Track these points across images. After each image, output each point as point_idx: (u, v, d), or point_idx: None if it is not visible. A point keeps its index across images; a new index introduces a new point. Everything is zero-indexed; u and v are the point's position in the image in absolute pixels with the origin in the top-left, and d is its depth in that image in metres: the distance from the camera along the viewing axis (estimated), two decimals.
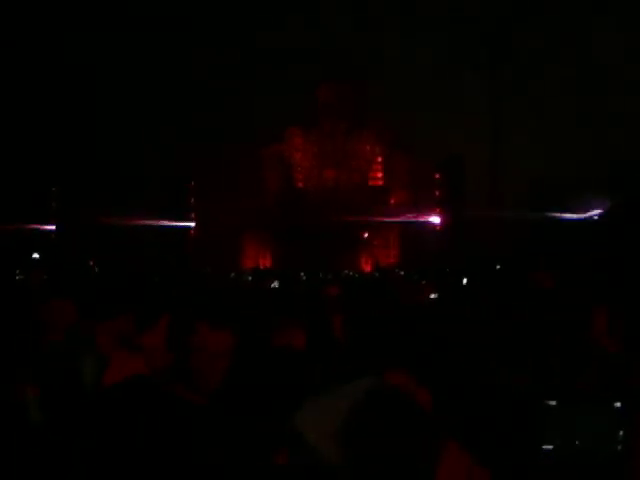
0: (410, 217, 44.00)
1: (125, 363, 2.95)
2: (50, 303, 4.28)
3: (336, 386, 1.60)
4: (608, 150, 40.56)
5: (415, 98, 42.59)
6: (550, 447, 2.38)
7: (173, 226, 42.63)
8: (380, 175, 47.51)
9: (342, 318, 6.10)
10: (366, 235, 44.52)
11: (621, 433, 2.37)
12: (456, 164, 43.97)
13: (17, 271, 13.81)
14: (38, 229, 39.40)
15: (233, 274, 24.91)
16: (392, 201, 46.26)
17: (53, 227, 40.38)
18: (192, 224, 43.74)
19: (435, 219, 43.68)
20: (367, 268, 40.53)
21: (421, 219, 43.96)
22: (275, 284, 12.14)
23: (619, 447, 2.36)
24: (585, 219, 38.62)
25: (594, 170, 39.76)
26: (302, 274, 19.04)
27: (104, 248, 35.35)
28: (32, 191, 39.50)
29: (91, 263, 30.19)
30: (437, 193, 44.24)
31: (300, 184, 47.53)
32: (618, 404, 2.41)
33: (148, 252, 38.42)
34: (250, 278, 20.28)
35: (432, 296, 8.55)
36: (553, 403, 2.43)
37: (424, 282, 11.21)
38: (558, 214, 38.99)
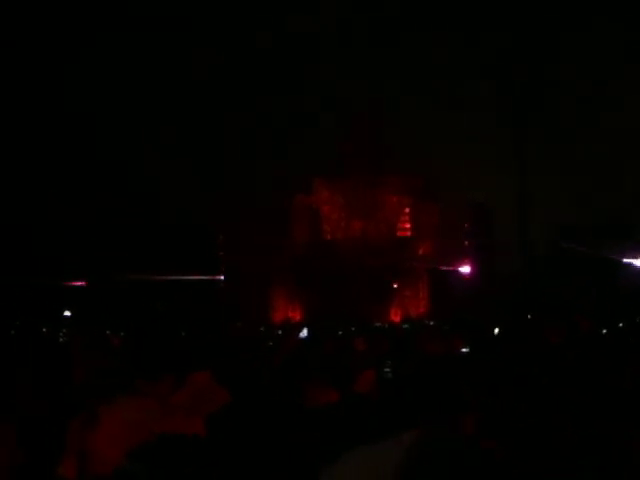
0: (439, 267, 43.85)
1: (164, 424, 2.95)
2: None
3: (373, 441, 1.49)
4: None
5: (442, 147, 42.79)
6: None
7: (202, 280, 42.74)
8: (408, 226, 47.51)
9: (373, 373, 6.04)
10: (395, 286, 44.35)
11: None
12: (484, 213, 43.96)
13: (62, 332, 13.84)
14: (69, 285, 39.63)
15: (263, 328, 24.88)
16: (420, 251, 46.13)
17: (83, 283, 40.58)
18: (221, 277, 43.88)
19: (465, 269, 43.50)
20: (396, 319, 40.32)
21: (450, 269, 43.78)
22: (304, 332, 12.06)
23: None
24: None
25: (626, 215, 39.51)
26: (335, 327, 18.92)
27: (135, 304, 35.53)
28: (60, 247, 39.80)
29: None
30: (466, 243, 44.18)
31: (328, 236, 47.61)
32: None
33: (178, 306, 38.52)
34: (280, 332, 20.21)
35: (463, 350, 8.44)
36: None
37: (455, 334, 11.07)
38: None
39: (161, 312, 33.94)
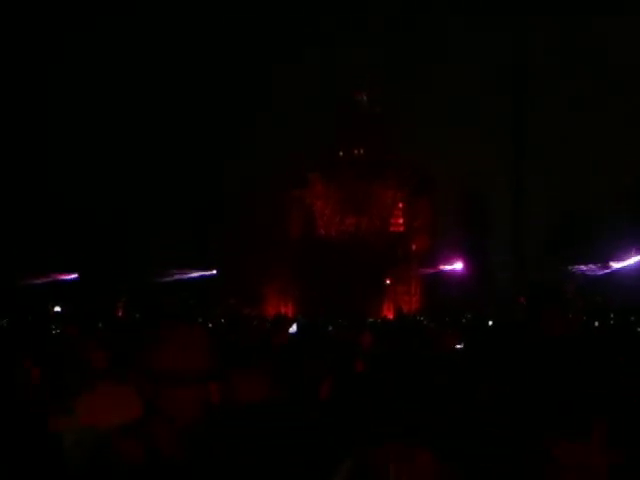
0: (432, 263, 43.80)
1: None
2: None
3: None
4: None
5: (436, 141, 42.69)
6: None
7: (198, 276, 42.65)
8: (401, 221, 47.45)
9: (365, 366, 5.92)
10: (388, 281, 44.30)
11: None
12: (479, 209, 43.89)
13: (53, 326, 13.76)
14: (57, 280, 39.39)
15: (255, 322, 24.74)
16: (414, 247, 46.07)
17: (73, 276, 40.30)
18: (214, 272, 43.76)
19: (458, 265, 43.43)
20: (389, 315, 40.25)
21: (443, 265, 43.72)
22: (293, 328, 11.90)
23: None
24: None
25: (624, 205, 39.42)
26: (340, 321, 18.79)
27: (126, 299, 35.43)
28: (52, 241, 39.58)
29: (119, 313, 30.26)
30: (459, 239, 44.12)
31: (322, 230, 47.52)
32: None
33: (170, 301, 38.40)
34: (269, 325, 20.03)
35: (457, 346, 8.32)
36: None
37: (449, 331, 10.95)
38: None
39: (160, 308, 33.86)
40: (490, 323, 12.39)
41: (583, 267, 38.71)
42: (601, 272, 38.39)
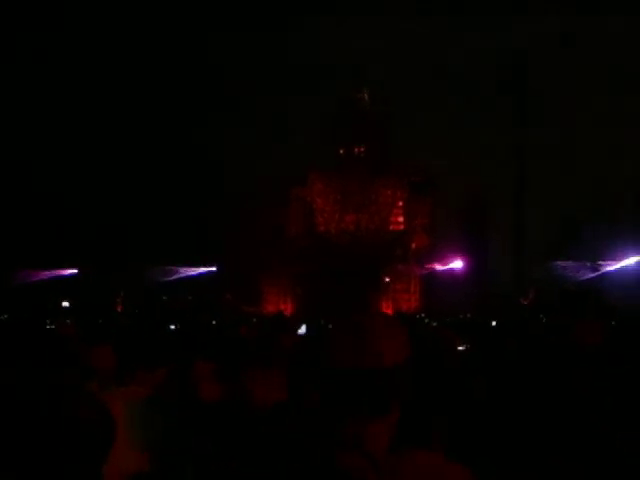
0: (431, 262, 43.77)
1: None
2: (93, 349, 4.26)
3: None
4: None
5: (438, 141, 42.72)
6: None
7: (197, 274, 42.63)
8: (401, 219, 47.40)
9: None
10: (387, 279, 44.23)
11: None
12: (479, 208, 43.90)
13: (47, 320, 13.66)
14: (60, 275, 39.41)
15: (255, 319, 24.73)
16: (413, 245, 46.04)
17: (72, 272, 40.31)
18: (213, 269, 43.75)
19: (457, 264, 43.41)
20: (388, 313, 40.19)
21: (443, 264, 43.70)
22: (302, 329, 11.79)
23: None
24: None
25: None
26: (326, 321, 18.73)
27: (127, 294, 35.44)
28: (57, 235, 39.59)
29: (118, 309, 30.26)
30: (459, 238, 44.13)
31: (321, 228, 47.51)
32: None
33: (168, 297, 38.41)
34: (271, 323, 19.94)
35: (460, 348, 8.31)
36: None
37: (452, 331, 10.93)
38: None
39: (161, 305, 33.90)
40: (493, 323, 12.40)
41: (581, 267, 38.73)
42: (596, 273, 38.45)
